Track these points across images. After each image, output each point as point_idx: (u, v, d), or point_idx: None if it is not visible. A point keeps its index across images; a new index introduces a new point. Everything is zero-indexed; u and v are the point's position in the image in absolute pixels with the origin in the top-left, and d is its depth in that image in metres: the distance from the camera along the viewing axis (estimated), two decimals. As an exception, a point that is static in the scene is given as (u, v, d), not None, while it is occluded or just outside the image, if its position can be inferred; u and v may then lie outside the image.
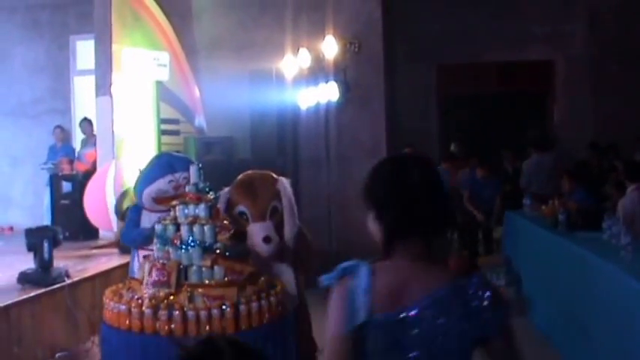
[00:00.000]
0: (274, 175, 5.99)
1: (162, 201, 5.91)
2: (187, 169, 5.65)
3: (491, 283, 2.43)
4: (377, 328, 2.29)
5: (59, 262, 7.85)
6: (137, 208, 6.43)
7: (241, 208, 5.73)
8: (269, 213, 5.72)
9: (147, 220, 6.23)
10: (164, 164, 6.25)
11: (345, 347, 2.27)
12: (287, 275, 5.77)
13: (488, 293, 2.35)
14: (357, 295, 2.29)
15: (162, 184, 6.05)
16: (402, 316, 2.30)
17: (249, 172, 6.08)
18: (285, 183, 5.87)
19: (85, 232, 11.12)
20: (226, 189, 5.88)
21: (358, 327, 2.27)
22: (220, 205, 5.70)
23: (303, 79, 11.75)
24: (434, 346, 2.29)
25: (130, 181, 9.98)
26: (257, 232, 5.64)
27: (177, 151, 10.48)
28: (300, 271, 5.90)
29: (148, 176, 6.27)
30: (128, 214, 6.61)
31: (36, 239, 7.47)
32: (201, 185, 5.50)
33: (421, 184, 2.45)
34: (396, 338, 2.29)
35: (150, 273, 5.22)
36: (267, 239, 5.61)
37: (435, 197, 2.47)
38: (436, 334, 2.29)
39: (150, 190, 6.13)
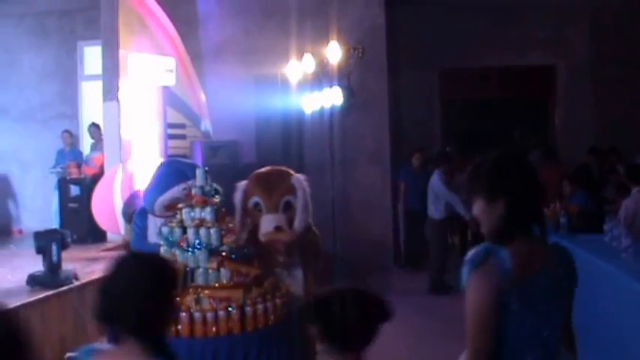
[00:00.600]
0: (291, 171, 6.10)
1: (172, 207, 6.00)
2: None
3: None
4: (517, 295, 2.87)
5: (67, 265, 7.96)
6: (143, 214, 6.48)
7: (256, 199, 5.80)
8: (282, 206, 5.78)
9: (153, 225, 6.28)
10: (176, 172, 6.30)
11: (494, 311, 2.83)
12: (296, 271, 5.85)
13: (569, 254, 3.10)
14: (503, 271, 2.84)
15: (176, 192, 6.10)
16: (530, 283, 2.91)
17: (268, 167, 6.19)
18: (300, 178, 5.98)
19: (93, 234, 11.24)
20: (244, 182, 5.96)
21: (505, 294, 2.84)
22: (237, 196, 5.80)
23: (307, 84, 11.79)
24: (552, 301, 2.97)
25: (138, 184, 10.17)
26: (269, 221, 5.72)
27: (184, 156, 10.62)
28: (309, 268, 5.98)
29: (160, 185, 6.32)
30: (134, 221, 6.63)
31: (45, 242, 7.60)
32: (207, 188, 5.61)
33: (535, 178, 3.06)
34: (528, 301, 2.89)
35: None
36: (278, 229, 5.71)
37: (540, 188, 3.08)
38: (552, 292, 2.96)
39: (163, 199, 6.19)
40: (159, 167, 6.64)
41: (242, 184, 5.91)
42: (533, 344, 2.94)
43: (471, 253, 2.92)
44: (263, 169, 6.11)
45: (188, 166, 6.43)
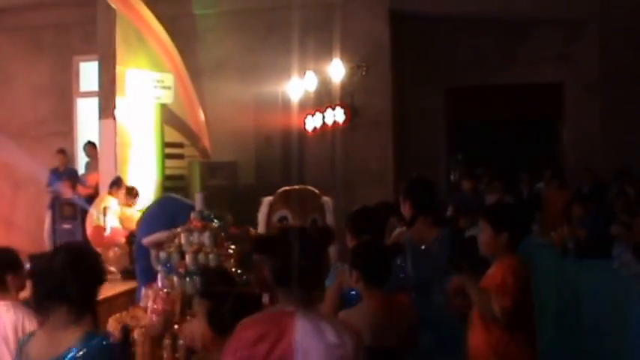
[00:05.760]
0: (318, 193, 6.33)
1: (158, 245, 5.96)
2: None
3: None
4: None
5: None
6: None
7: (284, 212, 5.97)
8: (309, 222, 5.89)
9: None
10: (167, 217, 6.25)
11: None
12: None
13: None
14: None
15: (161, 237, 5.98)
16: None
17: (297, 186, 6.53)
18: (329, 201, 6.25)
19: (87, 257, 11.00)
20: (270, 197, 6.14)
21: None
22: (262, 209, 6.03)
23: (309, 102, 11.68)
24: None
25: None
26: None
27: (182, 175, 10.44)
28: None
29: (149, 226, 6.61)
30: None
31: (40, 265, 7.35)
32: (205, 213, 5.41)
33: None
34: None
35: (154, 301, 5.13)
36: None
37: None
38: None
39: (148, 239, 6.49)
40: (153, 204, 6.68)
41: (268, 198, 6.13)
42: None
43: None
44: (291, 187, 6.41)
45: (182, 209, 6.26)
